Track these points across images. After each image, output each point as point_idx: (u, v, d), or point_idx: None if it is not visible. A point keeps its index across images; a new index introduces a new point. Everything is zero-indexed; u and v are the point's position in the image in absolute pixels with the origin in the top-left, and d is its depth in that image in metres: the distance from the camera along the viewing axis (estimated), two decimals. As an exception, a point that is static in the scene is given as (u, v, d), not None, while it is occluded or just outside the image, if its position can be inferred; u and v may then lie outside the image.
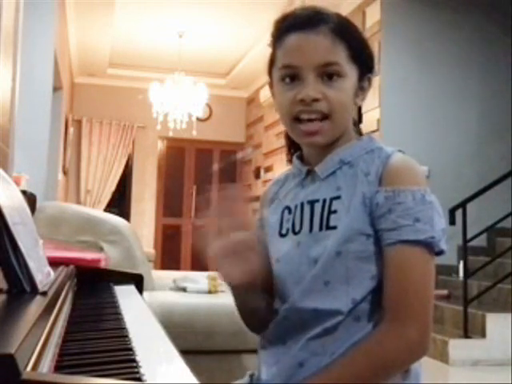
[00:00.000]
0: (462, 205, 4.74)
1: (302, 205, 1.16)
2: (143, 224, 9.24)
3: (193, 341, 2.16)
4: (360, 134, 1.23)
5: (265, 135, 8.62)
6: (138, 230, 9.03)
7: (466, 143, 5.86)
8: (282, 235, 1.18)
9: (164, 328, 1.68)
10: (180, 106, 7.18)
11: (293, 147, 1.26)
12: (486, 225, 5.55)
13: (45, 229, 2.46)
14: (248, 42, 7.29)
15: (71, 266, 1.47)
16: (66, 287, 1.18)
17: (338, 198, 1.12)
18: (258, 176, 8.74)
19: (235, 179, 9.47)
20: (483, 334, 4.63)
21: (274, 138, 8.10)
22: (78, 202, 8.69)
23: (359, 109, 6.27)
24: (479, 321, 4.68)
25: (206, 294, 2.31)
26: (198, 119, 7.64)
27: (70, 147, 7.96)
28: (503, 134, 5.88)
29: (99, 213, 2.49)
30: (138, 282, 1.85)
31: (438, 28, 5.94)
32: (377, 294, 1.07)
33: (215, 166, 9.54)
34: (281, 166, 7.72)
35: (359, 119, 6.32)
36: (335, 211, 1.11)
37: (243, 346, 2.05)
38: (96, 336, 0.92)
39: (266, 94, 7.97)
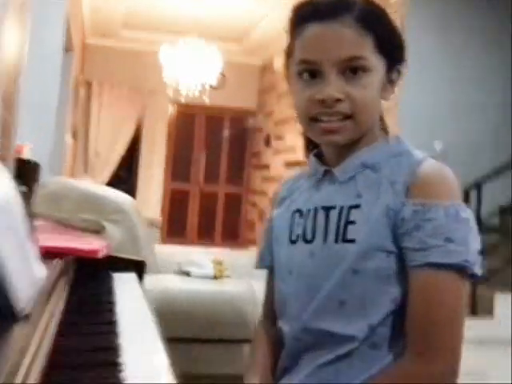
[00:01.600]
0: (477, 185, 4.64)
1: (316, 210, 1.05)
2: (151, 189, 9.20)
3: (194, 329, 2.13)
4: (386, 132, 1.11)
5: (277, 104, 8.49)
6: (145, 195, 9.07)
7: (485, 122, 5.73)
8: (291, 241, 1.07)
9: (165, 315, 1.65)
10: (193, 71, 7.04)
11: (311, 144, 1.15)
12: (500, 204, 5.48)
13: (46, 205, 2.39)
14: (265, 7, 7.13)
15: (68, 259, 1.40)
16: (58, 289, 1.09)
17: (357, 206, 1.00)
18: (268, 144, 8.64)
19: (245, 146, 9.39)
20: (490, 314, 4.59)
21: (286, 107, 7.97)
22: (86, 165, 8.65)
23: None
24: (487, 300, 4.63)
25: (210, 279, 2.24)
26: (210, 87, 7.52)
27: (79, 109, 7.88)
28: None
29: (103, 190, 2.41)
30: (139, 268, 1.81)
31: (465, 2, 5.76)
32: (397, 320, 0.96)
33: (225, 133, 9.45)
34: (292, 135, 7.62)
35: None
36: (353, 222, 0.99)
37: (245, 335, 2.00)
38: (84, 332, 0.91)
39: (280, 61, 7.83)
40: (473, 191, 4.63)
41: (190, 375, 2.02)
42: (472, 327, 4.55)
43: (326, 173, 1.07)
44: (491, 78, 5.74)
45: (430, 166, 0.99)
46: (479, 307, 4.63)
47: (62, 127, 6.17)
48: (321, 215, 1.03)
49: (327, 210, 1.03)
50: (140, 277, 1.80)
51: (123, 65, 8.75)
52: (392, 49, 1.04)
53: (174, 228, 9.30)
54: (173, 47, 7.01)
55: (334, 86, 0.98)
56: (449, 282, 0.93)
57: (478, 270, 0.94)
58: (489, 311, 4.62)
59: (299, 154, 6.33)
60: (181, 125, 9.43)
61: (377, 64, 1.01)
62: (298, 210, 1.08)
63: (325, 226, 1.02)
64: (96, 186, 2.47)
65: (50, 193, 2.41)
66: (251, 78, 9.32)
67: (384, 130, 1.11)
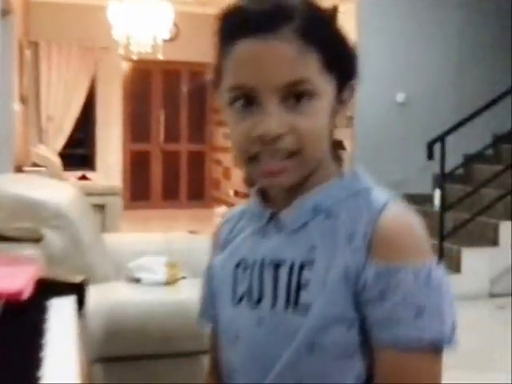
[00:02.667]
0: (441, 138, 4.50)
1: (263, 264, 0.86)
2: (110, 151, 8.90)
3: (148, 345, 1.94)
4: (340, 162, 0.90)
5: (235, 56, 8.20)
6: (104, 160, 8.78)
7: (445, 70, 5.57)
8: (235, 300, 0.89)
9: (117, 332, 1.67)
10: (143, 26, 6.69)
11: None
12: (464, 153, 5.37)
13: None
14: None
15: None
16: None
17: (310, 263, 0.82)
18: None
19: (205, 102, 9.10)
20: (458, 269, 4.53)
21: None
22: (40, 131, 8.29)
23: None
24: (454, 255, 4.56)
25: (163, 285, 2.04)
26: (164, 40, 7.18)
27: (27, 73, 7.48)
28: (483, 60, 5.58)
29: (39, 193, 2.15)
30: (79, 289, 1.61)
31: None
32: None
33: (184, 89, 9.13)
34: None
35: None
36: (306, 284, 0.81)
37: (202, 347, 1.82)
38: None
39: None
40: (437, 144, 4.49)
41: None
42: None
43: (273, 216, 0.88)
44: (449, 32, 5.55)
45: (393, 214, 0.81)
46: (447, 263, 4.55)
47: (8, 94, 5.83)
48: (268, 272, 0.85)
49: (275, 265, 0.85)
50: (81, 299, 1.62)
51: (71, 22, 8.30)
52: (342, 64, 0.84)
53: (138, 191, 9.07)
54: (121, 1, 6.63)
55: (274, 118, 0.79)
56: (422, 362, 0.77)
57: (453, 340, 0.78)
58: (456, 267, 4.56)
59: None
60: (136, 82, 9.08)
61: (325, 86, 0.82)
62: (242, 261, 0.89)
63: (273, 286, 0.84)
64: (31, 188, 2.21)
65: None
66: (207, 29, 8.88)
67: (337, 159, 0.91)
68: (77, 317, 1.44)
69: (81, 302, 1.58)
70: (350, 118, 5.50)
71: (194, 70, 8.90)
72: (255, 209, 0.91)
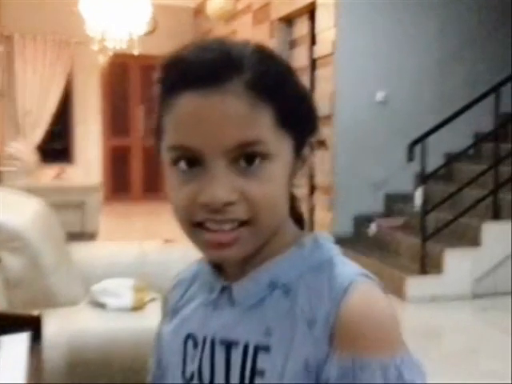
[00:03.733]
0: (421, 139, 4.44)
1: (214, 343, 0.77)
2: (89, 147, 8.75)
3: (114, 376, 1.85)
4: (301, 222, 0.81)
5: (214, 49, 8.06)
6: (83, 155, 8.63)
7: (426, 66, 5.49)
8: (185, 379, 0.80)
9: (79, 363, 1.67)
10: (118, 22, 6.52)
11: None
12: (445, 152, 5.32)
13: None
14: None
15: None
16: None
17: (266, 349, 0.73)
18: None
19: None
20: (440, 270, 4.50)
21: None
22: (17, 125, 8.12)
23: (312, 37, 5.79)
24: (437, 255, 4.53)
25: (129, 311, 1.95)
26: (141, 35, 7.02)
27: (1, 67, 7.29)
28: (463, 56, 5.52)
29: None
30: (35, 323, 1.56)
31: None
32: None
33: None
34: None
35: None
36: (262, 373, 0.72)
37: None
38: None
39: (213, 7, 7.35)
40: (418, 145, 4.43)
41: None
42: (423, 285, 4.48)
43: (225, 287, 0.79)
44: (430, 30, 5.47)
45: (359, 297, 0.71)
46: (429, 264, 4.52)
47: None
48: (220, 353, 0.77)
49: (228, 346, 0.76)
50: (37, 334, 1.56)
51: (45, 15, 8.11)
52: (300, 120, 0.75)
53: (118, 185, 8.94)
54: (94, -4, 6.46)
55: (222, 184, 0.70)
56: None
57: None
58: (438, 268, 4.52)
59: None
60: (114, 76, 8.91)
61: (280, 145, 0.72)
62: (192, 336, 0.81)
63: (225, 370, 0.76)
64: None
65: None
66: (185, 23, 8.80)
67: (297, 219, 0.82)
68: (30, 352, 1.39)
69: (37, 336, 1.52)
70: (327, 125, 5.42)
71: (173, 64, 8.74)
72: (206, 276, 0.81)
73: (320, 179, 5.83)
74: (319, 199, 5.87)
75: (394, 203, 5.48)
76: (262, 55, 0.73)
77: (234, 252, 0.72)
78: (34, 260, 2.00)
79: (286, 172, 0.74)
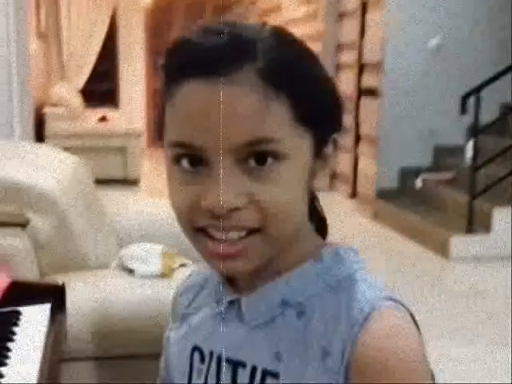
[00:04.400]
0: (476, 90, 4.18)
1: (220, 360, 0.71)
2: (133, 90, 8.70)
3: (139, 345, 1.79)
4: (323, 231, 0.73)
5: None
6: (127, 98, 8.57)
7: (484, 12, 5.14)
8: None
9: (104, 329, 1.73)
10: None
11: None
12: (500, 102, 5.05)
13: None
14: None
15: None
16: None
17: (275, 375, 0.66)
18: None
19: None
20: (488, 229, 4.32)
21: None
22: (62, 67, 8.10)
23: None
24: (485, 214, 4.34)
25: (157, 278, 1.89)
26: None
27: (45, 9, 7.21)
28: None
29: (24, 175, 1.97)
30: (58, 292, 1.50)
31: None
32: None
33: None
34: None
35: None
36: None
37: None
38: None
39: None
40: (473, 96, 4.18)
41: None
42: (468, 244, 4.32)
43: (234, 300, 0.71)
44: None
45: (381, 328, 0.62)
46: (476, 222, 4.35)
47: (24, 32, 5.61)
48: (226, 371, 0.70)
49: (234, 366, 0.69)
50: (60, 305, 1.52)
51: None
52: (322, 114, 0.65)
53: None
54: None
55: (227, 187, 0.61)
56: None
57: None
58: (486, 227, 4.35)
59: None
60: (158, 16, 8.74)
61: (297, 143, 0.63)
62: (198, 349, 0.74)
63: None
64: (16, 169, 2.05)
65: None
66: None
67: (320, 222, 0.73)
68: (52, 323, 1.36)
69: (60, 307, 1.48)
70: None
71: (218, 4, 8.52)
72: (215, 285, 0.74)
73: (366, 129, 5.64)
74: (364, 150, 5.70)
75: (443, 157, 5.26)
76: (280, 40, 0.63)
77: (241, 265, 0.64)
78: (63, 222, 1.94)
79: (304, 173, 0.65)
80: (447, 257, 4.29)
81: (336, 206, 5.60)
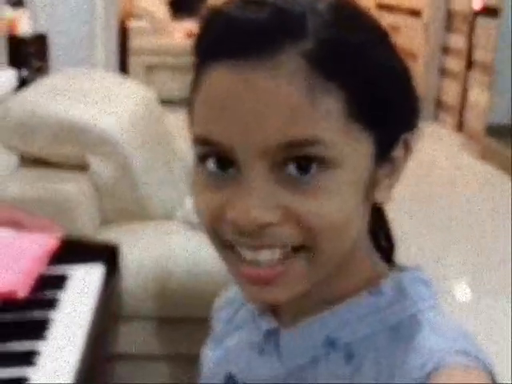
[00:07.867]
0: None
1: None
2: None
3: (198, 307, 1.64)
4: (388, 252, 0.62)
5: None
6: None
7: None
8: None
9: (163, 290, 1.60)
10: None
11: None
12: None
13: (12, 139, 1.83)
14: None
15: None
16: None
17: None
18: None
19: None
20: None
21: None
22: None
23: None
24: None
25: None
26: None
27: None
28: None
29: (85, 116, 1.79)
30: (111, 254, 1.50)
31: None
32: None
33: None
34: None
35: None
36: None
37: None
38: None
39: None
40: None
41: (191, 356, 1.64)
42: None
43: (272, 332, 0.62)
44: None
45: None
46: None
47: None
48: None
49: None
50: (113, 267, 1.49)
51: None
52: (389, 109, 0.52)
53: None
54: None
55: (257, 198, 0.50)
56: None
57: None
58: None
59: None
60: None
61: (352, 147, 0.50)
62: (233, 378, 0.66)
63: None
64: (78, 107, 1.90)
65: (16, 124, 1.83)
66: None
67: (381, 251, 0.62)
68: (104, 286, 1.35)
69: (113, 268, 1.48)
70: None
71: None
72: (253, 311, 0.65)
73: (480, 54, 5.06)
74: (476, 78, 5.13)
75: None
76: (339, 14, 0.50)
77: (277, 293, 0.54)
78: (125, 167, 1.79)
79: (361, 183, 0.52)
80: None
81: (439, 141, 5.11)
